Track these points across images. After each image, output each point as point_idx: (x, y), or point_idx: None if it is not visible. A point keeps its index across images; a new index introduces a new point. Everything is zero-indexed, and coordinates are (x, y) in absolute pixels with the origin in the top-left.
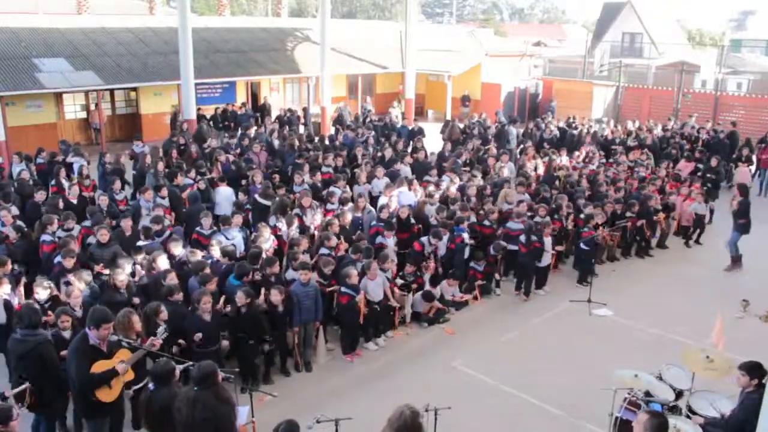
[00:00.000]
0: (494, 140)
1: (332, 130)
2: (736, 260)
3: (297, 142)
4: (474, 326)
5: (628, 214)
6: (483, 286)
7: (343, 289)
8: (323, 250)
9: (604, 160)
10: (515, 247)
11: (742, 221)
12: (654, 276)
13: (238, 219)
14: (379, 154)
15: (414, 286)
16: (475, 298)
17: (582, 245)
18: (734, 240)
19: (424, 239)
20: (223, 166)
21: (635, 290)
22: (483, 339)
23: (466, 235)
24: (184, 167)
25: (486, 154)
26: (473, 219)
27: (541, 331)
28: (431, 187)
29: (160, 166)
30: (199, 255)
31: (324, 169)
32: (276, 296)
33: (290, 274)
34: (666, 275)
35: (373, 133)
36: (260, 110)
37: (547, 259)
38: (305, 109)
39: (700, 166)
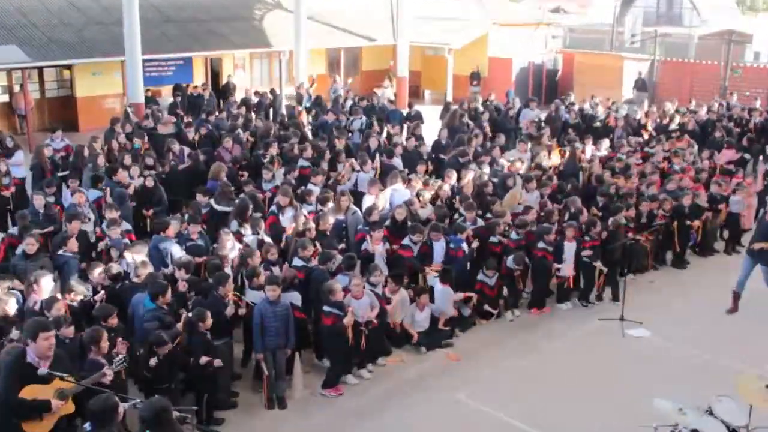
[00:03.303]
0: (502, 125)
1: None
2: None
3: (274, 130)
4: (483, 350)
5: (659, 212)
6: (491, 303)
7: (326, 308)
8: (297, 261)
9: (634, 150)
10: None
11: None
12: (697, 288)
13: (174, 227)
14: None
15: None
16: (484, 317)
17: (584, 257)
18: None
19: (407, 240)
20: (178, 159)
21: (675, 306)
22: (494, 366)
23: (466, 246)
24: (128, 162)
25: (494, 142)
26: (480, 222)
27: (564, 355)
28: (419, 185)
29: (100, 160)
30: (150, 267)
31: (301, 162)
32: (209, 322)
33: (251, 295)
34: (711, 287)
35: (363, 118)
36: (222, 92)
37: (567, 270)
38: (273, 91)
39: (747, 156)
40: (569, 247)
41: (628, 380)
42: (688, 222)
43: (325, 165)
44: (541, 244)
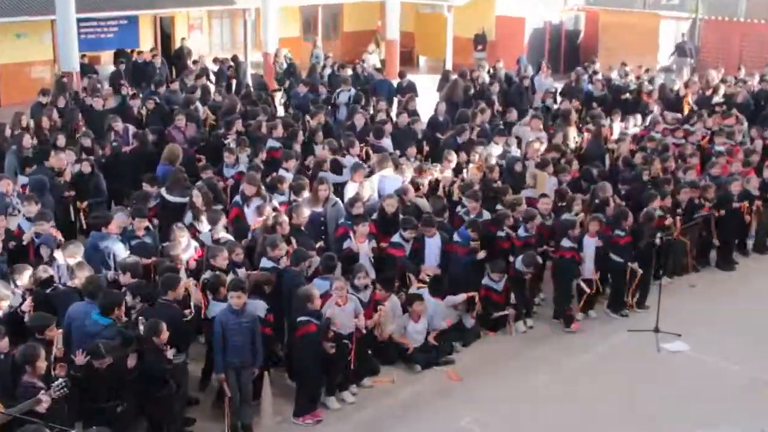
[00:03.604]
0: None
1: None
2: None
3: (238, 105)
4: (490, 369)
5: (701, 201)
6: (499, 311)
7: (301, 318)
8: (265, 262)
9: (672, 128)
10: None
11: None
12: (747, 294)
13: (120, 220)
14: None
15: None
16: (491, 328)
17: (615, 257)
18: None
19: (397, 237)
20: (121, 140)
21: (721, 315)
22: (503, 387)
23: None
24: (62, 143)
25: (505, 118)
26: (486, 215)
27: (588, 374)
28: (409, 172)
29: (26, 140)
30: (88, 269)
31: (270, 143)
32: (164, 335)
33: (215, 308)
34: (765, 293)
35: (352, 90)
36: (175, 59)
37: (587, 271)
38: (236, 58)
39: None
40: (589, 244)
41: (665, 404)
42: (736, 210)
43: (298, 147)
44: (566, 242)
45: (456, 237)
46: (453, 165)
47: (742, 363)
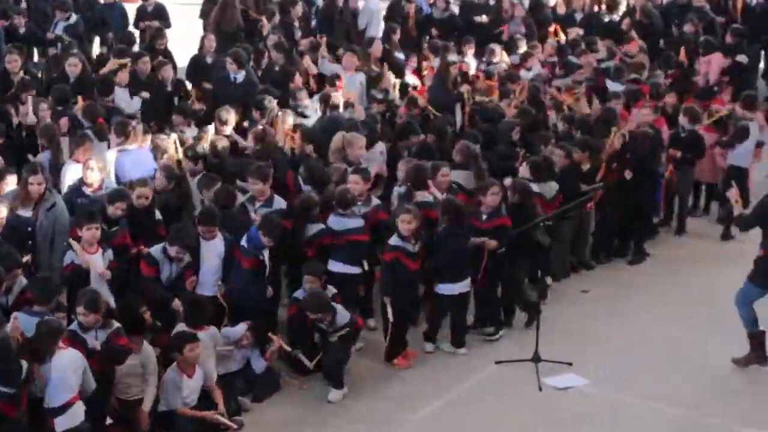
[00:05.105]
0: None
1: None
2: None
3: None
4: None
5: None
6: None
7: None
8: None
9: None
10: None
11: None
12: (666, 300)
13: None
14: None
15: None
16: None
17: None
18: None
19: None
20: None
21: (629, 332)
22: None
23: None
24: None
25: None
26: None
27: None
28: (171, 144)
29: None
30: None
31: None
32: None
33: None
34: (692, 297)
35: (74, 17)
36: None
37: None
38: None
39: (743, 59)
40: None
41: None
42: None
43: None
44: (394, 240)
45: (243, 240)
46: (230, 127)
47: (661, 399)
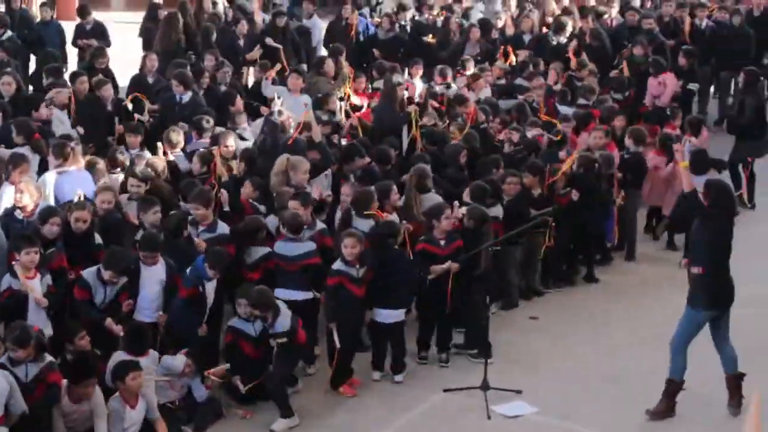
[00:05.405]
0: None
1: None
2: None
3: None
4: None
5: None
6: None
7: None
8: None
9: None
10: None
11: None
12: (599, 326)
13: None
14: None
15: None
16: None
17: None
18: None
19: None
20: None
21: (575, 357)
22: None
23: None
24: None
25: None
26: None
27: None
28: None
29: None
30: None
31: None
32: None
33: None
34: (635, 321)
35: (7, 33)
36: None
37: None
38: None
39: (694, 87)
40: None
41: None
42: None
43: None
44: (338, 265)
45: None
46: (179, 149)
47: (605, 427)
